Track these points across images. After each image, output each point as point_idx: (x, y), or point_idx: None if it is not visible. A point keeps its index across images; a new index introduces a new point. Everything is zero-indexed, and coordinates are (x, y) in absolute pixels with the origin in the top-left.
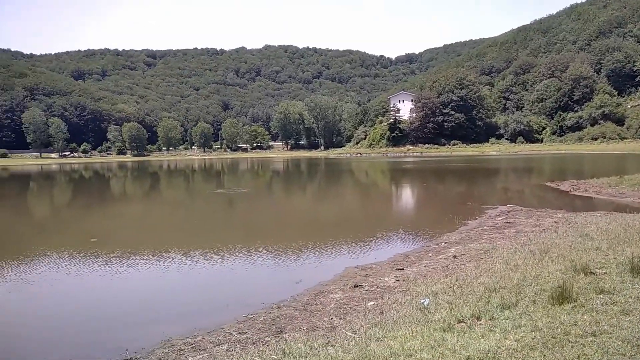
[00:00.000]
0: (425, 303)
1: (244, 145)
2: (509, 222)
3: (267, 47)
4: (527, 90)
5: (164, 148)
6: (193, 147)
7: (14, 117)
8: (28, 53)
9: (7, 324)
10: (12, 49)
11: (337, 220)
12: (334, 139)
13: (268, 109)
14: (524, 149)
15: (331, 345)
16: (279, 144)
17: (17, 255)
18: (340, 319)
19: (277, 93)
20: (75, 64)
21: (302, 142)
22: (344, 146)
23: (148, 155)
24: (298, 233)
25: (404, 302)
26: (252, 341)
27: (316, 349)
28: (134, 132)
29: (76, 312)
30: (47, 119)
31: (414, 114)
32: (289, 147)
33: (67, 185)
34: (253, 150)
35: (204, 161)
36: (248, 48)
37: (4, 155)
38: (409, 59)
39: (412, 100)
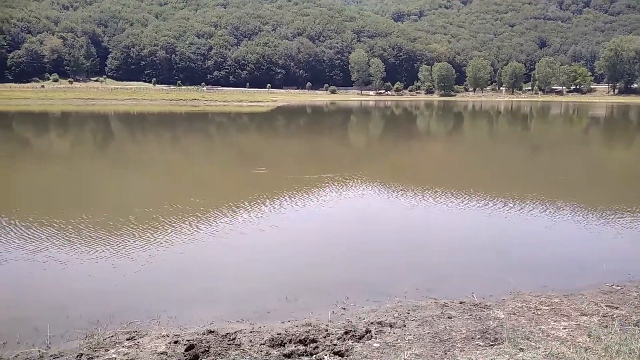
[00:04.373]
0: None
1: (559, 88)
2: None
3: None
4: None
5: (470, 88)
6: (501, 87)
7: (343, 58)
8: None
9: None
10: None
11: None
12: None
13: (594, 45)
14: None
15: None
16: (603, 87)
17: (339, 183)
18: None
19: (608, 27)
20: (396, 6)
21: (634, 85)
22: None
23: (454, 96)
24: None
25: None
26: (635, 322)
27: None
28: (443, 71)
29: (428, 249)
30: (368, 59)
31: None
32: (615, 91)
33: (380, 120)
34: (569, 94)
35: (510, 103)
36: None
37: (333, 92)
38: None
39: None
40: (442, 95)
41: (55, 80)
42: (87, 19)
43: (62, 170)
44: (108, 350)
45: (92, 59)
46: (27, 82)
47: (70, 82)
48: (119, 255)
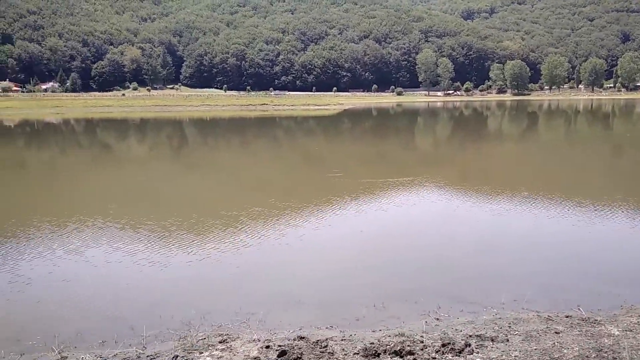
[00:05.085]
0: None
1: None
2: None
3: None
4: None
5: (546, 87)
6: (579, 85)
7: (410, 59)
8: None
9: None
10: None
11: None
12: None
13: None
14: None
15: None
16: None
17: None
18: None
19: None
20: (466, 4)
21: None
22: None
23: (528, 95)
24: None
25: None
26: None
27: None
28: (516, 70)
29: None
30: (436, 59)
31: None
32: None
33: (448, 121)
34: None
35: (590, 101)
36: None
37: (400, 93)
38: None
39: None
40: (515, 94)
41: (135, 89)
42: (164, 30)
43: (144, 174)
44: (202, 352)
45: (168, 67)
46: (110, 90)
47: (149, 90)
48: (210, 259)
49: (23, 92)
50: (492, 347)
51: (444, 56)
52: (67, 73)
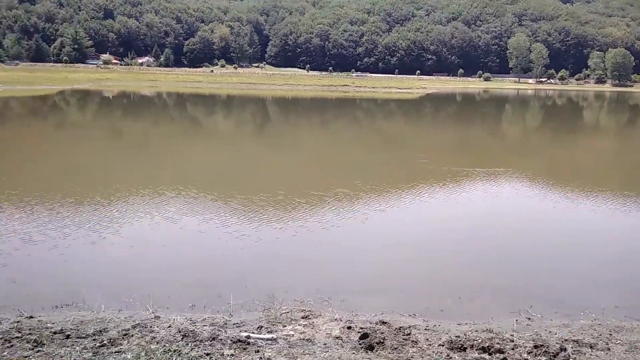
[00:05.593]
0: None
1: None
2: None
3: None
4: None
5: None
6: None
7: (500, 43)
8: None
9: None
10: None
11: None
12: None
13: None
14: None
15: None
16: None
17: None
18: None
19: None
20: None
21: None
22: None
23: (631, 86)
24: None
25: None
26: None
27: None
28: (618, 59)
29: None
30: (530, 45)
31: None
32: None
33: (539, 111)
34: None
35: None
36: None
37: (487, 79)
38: None
39: None
40: (615, 85)
41: (223, 66)
42: (252, 9)
43: (232, 149)
44: (285, 326)
45: (254, 46)
46: (199, 66)
47: (235, 68)
48: (296, 236)
49: (121, 65)
50: (590, 355)
51: (539, 41)
52: (161, 48)
